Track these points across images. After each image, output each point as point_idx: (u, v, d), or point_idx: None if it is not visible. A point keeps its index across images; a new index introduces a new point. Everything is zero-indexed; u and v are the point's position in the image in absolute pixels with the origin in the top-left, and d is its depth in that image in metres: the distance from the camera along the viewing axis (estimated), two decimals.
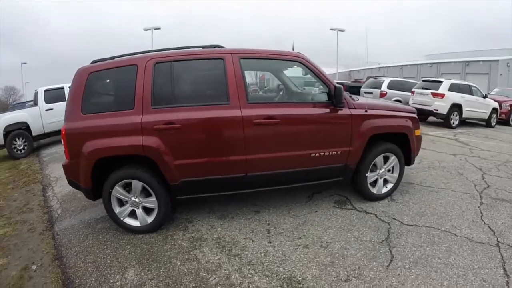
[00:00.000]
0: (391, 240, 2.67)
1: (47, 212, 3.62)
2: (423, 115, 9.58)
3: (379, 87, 10.95)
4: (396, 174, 3.44)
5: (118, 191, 2.72)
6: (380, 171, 3.35)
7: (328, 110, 2.98)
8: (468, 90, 9.18)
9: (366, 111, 3.11)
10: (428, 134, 7.61)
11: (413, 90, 9.58)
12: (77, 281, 2.27)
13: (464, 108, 8.76)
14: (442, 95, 8.50)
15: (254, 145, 2.75)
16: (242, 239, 2.73)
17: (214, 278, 2.22)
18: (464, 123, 9.65)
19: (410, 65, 27.60)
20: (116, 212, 2.79)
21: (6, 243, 3.00)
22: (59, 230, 3.11)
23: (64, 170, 2.83)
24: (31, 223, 3.41)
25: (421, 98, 9.10)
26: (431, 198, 3.48)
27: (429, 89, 8.94)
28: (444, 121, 8.76)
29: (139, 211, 2.81)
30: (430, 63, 25.53)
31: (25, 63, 37.48)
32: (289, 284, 2.14)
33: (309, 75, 3.09)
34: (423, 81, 9.79)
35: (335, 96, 2.86)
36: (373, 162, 3.24)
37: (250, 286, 2.12)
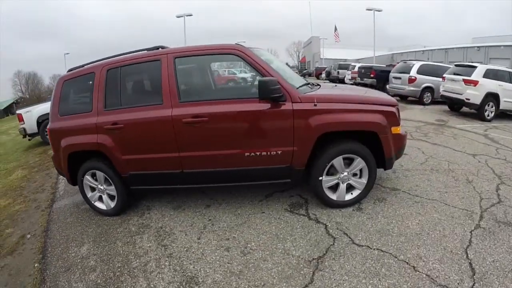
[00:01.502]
0: (324, 261, 2.04)
1: (53, 193, 3.90)
2: (456, 105, 7.87)
3: (408, 72, 9.04)
4: (364, 180, 2.61)
5: (88, 179, 2.91)
6: (342, 175, 2.57)
7: (267, 105, 2.37)
8: (507, 77, 6.91)
9: (315, 104, 2.36)
10: (454, 127, 6.02)
11: (444, 76, 7.59)
12: (49, 249, 2.58)
13: (502, 99, 6.63)
14: (475, 82, 6.50)
15: (186, 143, 2.55)
16: (179, 231, 2.58)
17: (136, 263, 2.23)
18: (504, 116, 7.43)
19: (456, 48, 22.34)
20: (88, 196, 2.99)
21: (17, 216, 3.39)
22: (55, 208, 3.43)
23: (53, 161, 3.16)
24: (40, 201, 3.72)
25: (452, 85, 7.14)
26: (410, 212, 2.59)
27: (461, 75, 6.93)
28: (477, 113, 6.78)
29: (104, 197, 2.98)
30: (477, 47, 20.62)
31: (67, 53, 35.37)
32: (187, 283, 1.97)
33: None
34: (456, 65, 7.66)
35: (258, 90, 2.26)
36: (329, 165, 2.49)
37: (158, 276, 2.06)
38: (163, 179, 2.73)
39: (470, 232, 2.30)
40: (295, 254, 2.14)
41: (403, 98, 9.84)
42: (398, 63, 12.15)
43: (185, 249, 2.32)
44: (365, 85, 12.82)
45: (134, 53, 2.78)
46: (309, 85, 2.94)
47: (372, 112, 2.49)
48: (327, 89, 3.01)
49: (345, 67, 17.73)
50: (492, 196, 2.89)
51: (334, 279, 1.86)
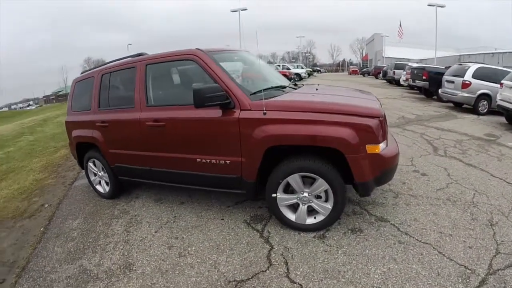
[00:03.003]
0: (243, 287, 1.69)
1: (79, 172, 4.18)
2: None
3: (462, 76, 7.01)
4: (329, 205, 2.02)
5: (90, 166, 3.12)
6: (301, 195, 2.05)
7: (217, 112, 2.07)
8: None
9: (264, 113, 1.90)
10: (504, 145, 4.37)
11: (502, 82, 5.60)
12: (54, 219, 2.87)
13: None
14: None
15: (152, 144, 2.50)
16: (146, 221, 2.57)
17: (102, 241, 2.35)
18: None
19: None
20: (91, 179, 3.21)
21: (46, 188, 3.77)
22: (74, 186, 3.68)
23: (70, 147, 3.48)
24: (67, 178, 4.01)
25: (510, 94, 5.24)
26: (383, 256, 1.89)
27: None
28: None
29: (102, 182, 3.14)
30: None
31: (130, 44, 34.17)
32: (124, 268, 2.01)
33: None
34: None
35: (193, 98, 1.94)
36: (283, 182, 2.01)
37: (108, 256, 2.15)
38: (139, 174, 2.72)
39: None
40: (221, 270, 1.86)
41: (458, 105, 7.89)
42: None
43: (140, 239, 2.32)
44: (418, 88, 10.77)
45: (123, 60, 2.83)
46: (284, 88, 2.45)
47: (336, 125, 1.86)
48: (297, 94, 2.41)
49: (401, 67, 15.11)
50: None
51: None
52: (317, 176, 1.94)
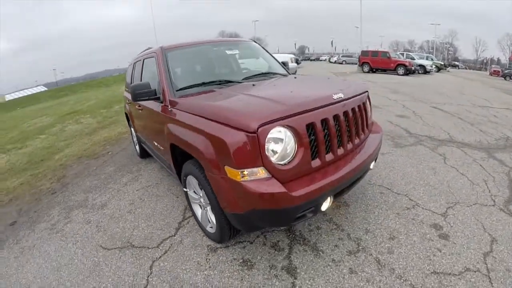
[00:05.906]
0: (126, 250, 1.85)
1: None
2: None
3: None
4: (213, 219, 1.70)
5: (132, 130, 3.82)
6: (200, 198, 1.85)
7: (158, 105, 2.15)
8: None
9: (170, 110, 1.85)
10: None
11: None
12: (102, 163, 3.81)
13: None
14: None
15: (142, 123, 2.91)
16: (140, 181, 3.03)
17: (109, 187, 3.00)
18: None
19: None
20: (134, 141, 3.94)
21: (120, 141, 4.79)
22: (133, 142, 4.29)
23: None
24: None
25: None
26: None
27: None
28: None
29: (137, 147, 3.81)
30: None
31: (257, 20, 37.66)
32: (102, 206, 2.56)
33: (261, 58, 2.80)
34: None
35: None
36: (186, 179, 1.88)
37: (101, 197, 2.77)
38: (144, 144, 3.20)
39: None
40: (133, 233, 2.10)
41: None
42: None
43: (125, 191, 2.83)
44: None
45: (144, 51, 3.21)
46: (228, 83, 2.13)
47: (199, 132, 1.51)
48: (221, 91, 1.92)
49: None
50: None
51: (109, 270, 1.76)
52: (200, 185, 1.67)
